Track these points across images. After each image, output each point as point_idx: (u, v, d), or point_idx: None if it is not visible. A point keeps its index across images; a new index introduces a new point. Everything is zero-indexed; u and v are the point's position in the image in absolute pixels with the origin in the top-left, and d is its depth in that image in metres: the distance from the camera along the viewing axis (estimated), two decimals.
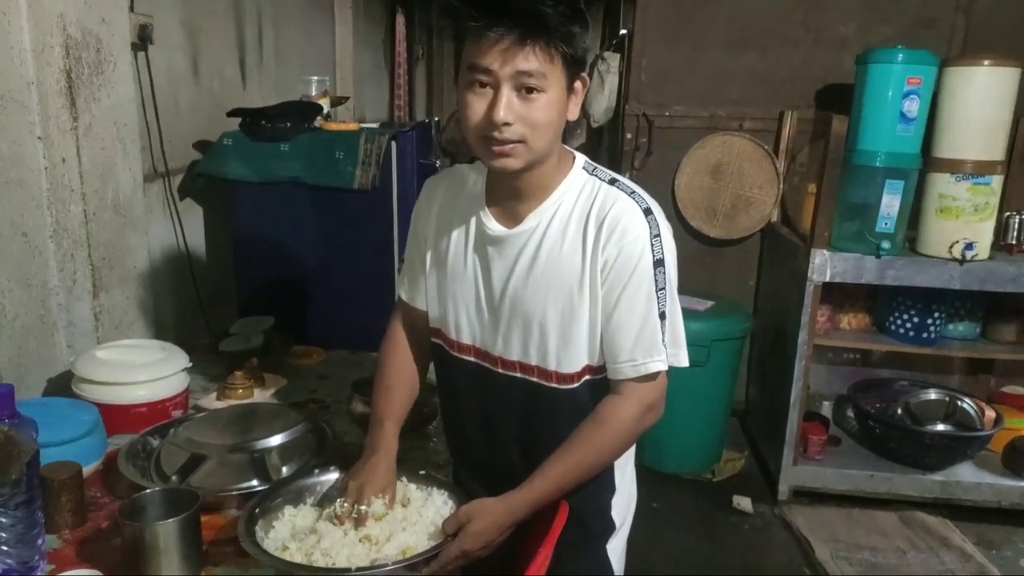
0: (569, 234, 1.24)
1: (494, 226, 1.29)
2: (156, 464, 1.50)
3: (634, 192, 1.25)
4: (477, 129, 1.16)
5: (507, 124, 1.13)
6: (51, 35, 1.77)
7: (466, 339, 1.36)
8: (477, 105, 1.15)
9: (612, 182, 1.26)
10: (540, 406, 1.32)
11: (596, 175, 1.27)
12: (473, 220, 1.32)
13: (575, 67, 1.16)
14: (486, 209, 1.30)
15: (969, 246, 2.86)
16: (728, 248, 3.75)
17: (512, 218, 1.28)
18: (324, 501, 1.33)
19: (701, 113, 3.63)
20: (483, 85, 1.14)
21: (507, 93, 1.12)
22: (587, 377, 1.29)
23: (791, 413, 3.12)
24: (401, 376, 1.45)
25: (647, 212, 1.22)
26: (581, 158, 1.30)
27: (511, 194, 1.27)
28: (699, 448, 3.43)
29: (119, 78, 2.00)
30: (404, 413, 1.42)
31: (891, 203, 2.94)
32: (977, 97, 2.82)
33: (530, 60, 1.10)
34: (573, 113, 1.21)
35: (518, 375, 1.32)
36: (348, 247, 2.42)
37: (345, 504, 1.25)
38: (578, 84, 1.19)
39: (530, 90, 1.12)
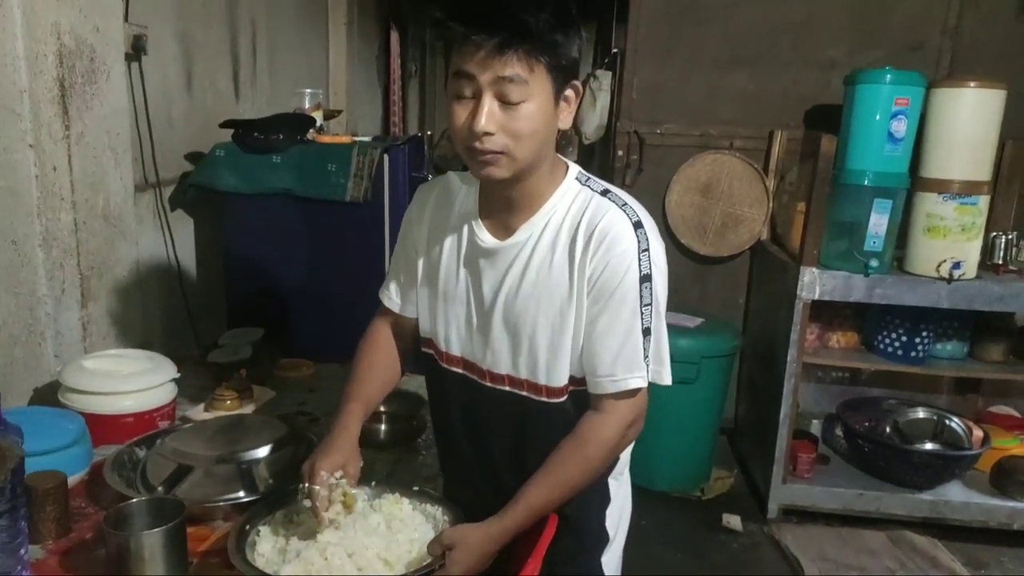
0: (559, 246, 1.23)
1: (486, 238, 1.27)
2: (142, 475, 1.49)
3: (626, 204, 1.23)
4: (462, 139, 1.16)
5: (488, 134, 1.12)
6: (45, 43, 1.77)
7: (455, 351, 1.35)
8: (461, 114, 1.14)
9: (604, 193, 1.24)
10: (530, 419, 1.30)
11: (589, 185, 1.26)
12: (465, 231, 1.30)
13: (562, 75, 1.15)
14: (479, 220, 1.29)
15: (956, 265, 2.88)
16: (718, 266, 3.76)
17: (504, 229, 1.27)
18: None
19: (692, 131, 3.65)
20: (466, 94, 1.13)
21: (488, 102, 1.11)
22: (572, 388, 1.28)
23: (780, 431, 3.11)
24: (374, 366, 1.42)
25: (637, 225, 1.20)
26: (575, 168, 1.29)
27: (504, 205, 1.26)
28: (688, 466, 3.42)
29: (112, 88, 2.01)
30: (373, 398, 1.40)
31: (879, 222, 2.96)
32: (964, 118, 2.86)
33: (510, 67, 1.09)
34: (565, 122, 1.20)
35: (507, 388, 1.30)
36: (339, 259, 2.42)
37: (303, 489, 1.23)
38: (570, 92, 1.18)
39: (514, 99, 1.11)
